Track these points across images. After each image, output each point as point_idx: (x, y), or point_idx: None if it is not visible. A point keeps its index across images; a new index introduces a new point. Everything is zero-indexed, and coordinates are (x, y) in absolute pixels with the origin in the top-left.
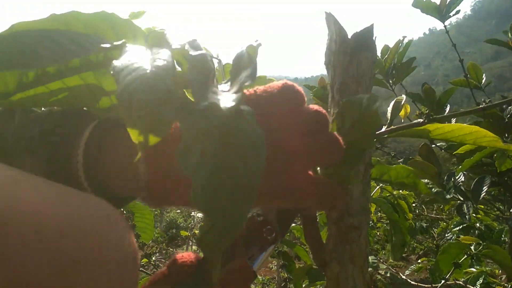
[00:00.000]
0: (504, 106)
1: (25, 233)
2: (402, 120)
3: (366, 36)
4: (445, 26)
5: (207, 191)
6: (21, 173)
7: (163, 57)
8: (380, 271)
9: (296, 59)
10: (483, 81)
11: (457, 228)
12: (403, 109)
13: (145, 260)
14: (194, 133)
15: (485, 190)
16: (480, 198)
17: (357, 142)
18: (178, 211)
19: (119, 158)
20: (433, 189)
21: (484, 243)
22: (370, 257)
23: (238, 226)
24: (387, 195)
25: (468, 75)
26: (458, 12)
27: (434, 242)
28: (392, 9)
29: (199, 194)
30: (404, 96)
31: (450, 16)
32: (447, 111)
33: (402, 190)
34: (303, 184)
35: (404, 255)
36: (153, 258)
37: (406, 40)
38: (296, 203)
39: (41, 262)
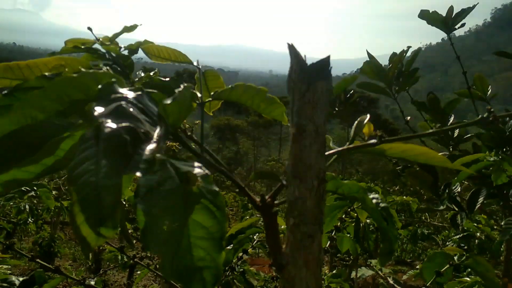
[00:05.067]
0: (506, 119)
1: None
2: (366, 138)
3: (322, 67)
4: (450, 38)
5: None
6: None
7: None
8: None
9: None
10: (489, 92)
11: (458, 237)
12: (366, 127)
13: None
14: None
15: (480, 202)
16: (475, 209)
17: None
18: None
19: None
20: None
21: (468, 254)
22: (373, 261)
23: None
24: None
25: (474, 87)
26: (463, 25)
27: (439, 248)
28: (411, 13)
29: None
30: (368, 116)
31: (456, 29)
32: (451, 121)
33: (406, 197)
34: None
35: (408, 260)
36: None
37: (419, 46)
38: None
39: None
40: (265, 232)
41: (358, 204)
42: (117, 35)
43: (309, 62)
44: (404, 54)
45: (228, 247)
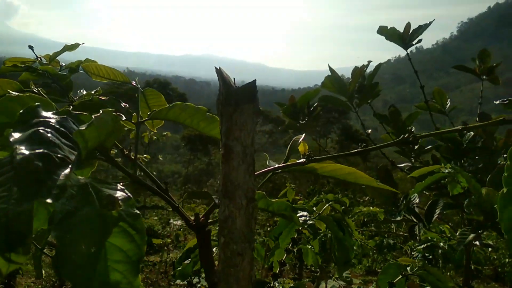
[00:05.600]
0: (464, 132)
1: None
2: (301, 156)
3: (249, 90)
4: (407, 53)
5: None
6: None
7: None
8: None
9: (282, 71)
10: (448, 105)
11: (422, 247)
12: (302, 146)
13: None
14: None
15: (438, 212)
16: (433, 220)
17: None
18: (156, 218)
19: None
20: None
21: (420, 264)
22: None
23: None
24: (333, 213)
25: (434, 100)
26: (420, 41)
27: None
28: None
29: None
30: (303, 135)
31: (413, 44)
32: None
33: (373, 207)
34: None
35: (379, 270)
36: None
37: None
38: None
39: None
40: (199, 250)
41: (316, 215)
42: (57, 53)
43: (286, 75)
44: (365, 68)
45: (187, 261)
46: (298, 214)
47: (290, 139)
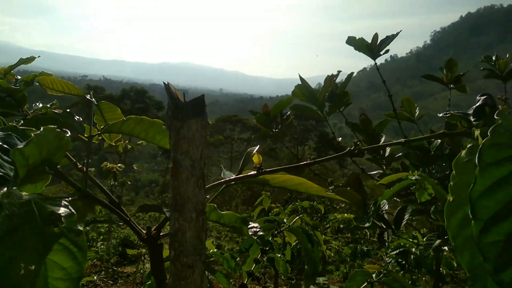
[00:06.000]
0: (432, 139)
1: None
2: (256, 166)
3: (197, 104)
4: (375, 63)
5: None
6: None
7: None
8: None
9: (260, 79)
10: (417, 113)
11: (395, 252)
12: (256, 157)
13: (87, 278)
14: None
15: (406, 218)
16: (402, 226)
17: None
18: None
19: None
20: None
21: (385, 271)
22: (321, 278)
23: None
24: (301, 224)
25: (403, 108)
26: (387, 51)
27: (383, 263)
28: (365, 35)
29: None
30: (257, 147)
31: (381, 55)
32: (382, 140)
33: (347, 214)
34: None
35: None
36: (95, 278)
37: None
38: None
39: None
40: (151, 263)
41: (286, 226)
42: (12, 67)
43: (264, 83)
44: (335, 78)
45: None
46: (249, 226)
47: (268, 146)
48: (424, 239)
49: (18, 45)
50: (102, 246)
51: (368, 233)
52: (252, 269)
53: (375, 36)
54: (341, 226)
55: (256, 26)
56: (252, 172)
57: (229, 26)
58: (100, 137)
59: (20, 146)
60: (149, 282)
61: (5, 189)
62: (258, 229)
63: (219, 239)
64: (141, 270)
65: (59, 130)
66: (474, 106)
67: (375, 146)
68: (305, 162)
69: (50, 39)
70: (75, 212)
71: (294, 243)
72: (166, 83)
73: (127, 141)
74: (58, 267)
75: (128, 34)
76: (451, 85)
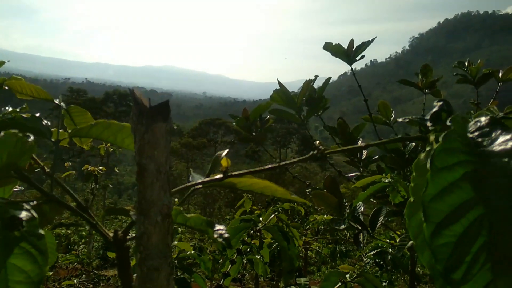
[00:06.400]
0: (407, 142)
1: None
2: (223, 170)
3: (162, 109)
4: (352, 69)
5: None
6: None
7: None
8: None
9: (243, 83)
10: (392, 117)
11: (372, 253)
12: (224, 161)
13: (67, 282)
14: None
15: (381, 220)
16: (377, 227)
17: None
18: (113, 230)
19: None
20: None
21: (359, 272)
22: (302, 279)
23: None
24: (279, 223)
25: (379, 112)
26: (363, 57)
27: (362, 263)
28: (345, 40)
29: None
30: (226, 150)
31: (356, 60)
32: (359, 143)
33: (327, 216)
34: None
35: None
36: (75, 281)
37: (346, 71)
38: None
39: None
40: (117, 267)
41: (263, 225)
42: None
43: (247, 87)
44: (312, 83)
45: None
46: (216, 228)
47: (251, 149)
48: (397, 240)
49: (2, 48)
50: (84, 250)
51: (348, 234)
52: (228, 269)
53: (351, 42)
54: (321, 227)
55: (240, 29)
56: (218, 176)
57: (212, 30)
58: (69, 141)
59: None
60: None
61: None
62: (224, 231)
63: (202, 241)
64: None
65: (21, 134)
66: (431, 112)
67: (338, 150)
68: (270, 166)
69: (31, 41)
70: (36, 216)
71: (275, 245)
72: (131, 88)
73: (108, 144)
74: (18, 270)
75: (111, 37)
76: (426, 90)
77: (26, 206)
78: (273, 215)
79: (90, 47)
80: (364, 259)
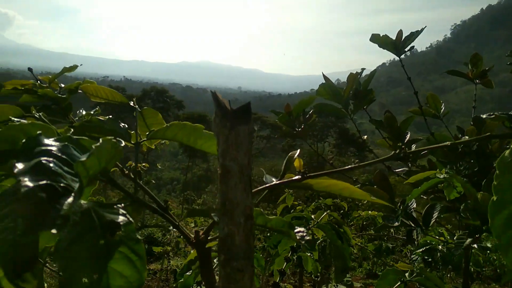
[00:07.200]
0: (459, 135)
1: None
2: (297, 171)
3: (244, 112)
4: (400, 60)
5: None
6: None
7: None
8: None
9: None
10: (442, 109)
11: (421, 250)
12: (297, 161)
13: None
14: None
15: (435, 217)
16: (431, 224)
17: None
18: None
19: None
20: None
21: (418, 270)
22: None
23: None
24: (331, 219)
25: (427, 104)
26: (412, 48)
27: (407, 261)
28: (381, 30)
29: None
30: (298, 151)
31: (405, 52)
32: (407, 138)
33: (371, 211)
34: None
35: (379, 273)
36: None
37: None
38: None
39: None
40: (200, 267)
41: (314, 223)
42: (56, 76)
43: (282, 80)
44: (359, 76)
45: (188, 273)
46: (296, 230)
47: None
48: (454, 238)
49: (39, 47)
50: None
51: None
52: (283, 267)
53: (400, 32)
54: (364, 223)
55: (274, 23)
56: (297, 177)
57: (246, 24)
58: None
59: (83, 158)
60: (182, 280)
61: (71, 199)
62: (305, 234)
63: None
64: (168, 267)
65: (114, 140)
66: None
67: (424, 149)
68: (349, 166)
69: (70, 41)
70: (132, 220)
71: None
72: (213, 91)
73: None
74: (119, 275)
75: (147, 35)
76: (477, 80)
77: (121, 210)
78: (325, 213)
79: (127, 45)
80: (412, 256)
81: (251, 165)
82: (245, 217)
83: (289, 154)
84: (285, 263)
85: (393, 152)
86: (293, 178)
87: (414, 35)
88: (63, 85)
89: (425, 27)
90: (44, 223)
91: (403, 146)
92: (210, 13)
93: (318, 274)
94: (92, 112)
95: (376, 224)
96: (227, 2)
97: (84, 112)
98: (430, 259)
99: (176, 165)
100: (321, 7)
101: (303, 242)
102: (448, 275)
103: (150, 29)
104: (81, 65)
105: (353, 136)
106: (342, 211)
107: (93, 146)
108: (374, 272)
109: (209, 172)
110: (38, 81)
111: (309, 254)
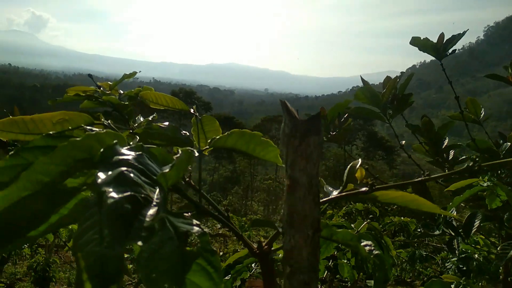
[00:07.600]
0: (501, 142)
1: None
2: (358, 182)
3: (314, 123)
4: (441, 64)
5: None
6: None
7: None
8: None
9: (305, 78)
10: (482, 114)
11: (455, 259)
12: (359, 172)
13: None
14: None
15: (476, 226)
16: (472, 233)
17: None
18: None
19: None
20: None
21: (464, 282)
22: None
23: None
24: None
25: (466, 109)
26: (454, 51)
27: (438, 268)
28: (408, 32)
29: None
30: (360, 160)
31: (447, 55)
32: (445, 143)
33: (404, 217)
34: None
35: (408, 280)
36: None
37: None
38: None
39: None
40: (262, 278)
41: (355, 231)
42: (117, 83)
43: (309, 82)
44: (398, 79)
45: (227, 277)
46: (363, 244)
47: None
48: (498, 248)
49: (72, 49)
50: None
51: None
52: (324, 276)
53: (441, 35)
54: (396, 229)
55: (300, 25)
56: (364, 189)
57: (273, 26)
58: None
59: (166, 170)
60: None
61: (154, 211)
62: (373, 248)
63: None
64: None
65: (190, 150)
66: None
67: (494, 163)
68: (420, 179)
69: (102, 43)
70: (207, 232)
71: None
72: (283, 101)
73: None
74: (197, 287)
75: (176, 37)
76: None
77: (195, 220)
78: (365, 223)
79: (156, 47)
80: (446, 264)
81: (319, 176)
82: (314, 230)
83: (351, 163)
84: (326, 272)
85: (466, 165)
86: (360, 190)
87: (456, 38)
88: (122, 92)
89: (467, 30)
90: (130, 235)
91: (477, 159)
92: (238, 15)
93: (348, 279)
94: (150, 119)
95: (409, 231)
96: (255, 4)
97: (142, 119)
98: (464, 268)
99: (202, 165)
100: (348, 9)
101: (372, 256)
102: (480, 284)
103: (178, 31)
104: (139, 71)
105: (381, 139)
106: (371, 215)
107: (174, 158)
108: (402, 278)
109: (235, 174)
110: (101, 88)
111: (345, 261)
